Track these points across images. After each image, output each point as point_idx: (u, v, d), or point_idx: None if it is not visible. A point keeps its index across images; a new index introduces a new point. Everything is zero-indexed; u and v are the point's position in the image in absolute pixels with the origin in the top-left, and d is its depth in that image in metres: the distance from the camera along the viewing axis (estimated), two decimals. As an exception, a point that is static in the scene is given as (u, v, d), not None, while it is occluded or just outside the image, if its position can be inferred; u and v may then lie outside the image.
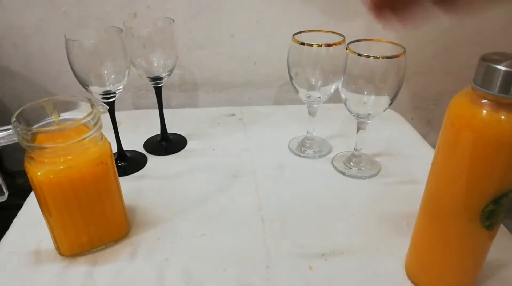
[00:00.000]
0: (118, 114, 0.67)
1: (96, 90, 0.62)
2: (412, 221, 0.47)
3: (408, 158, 0.73)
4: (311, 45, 0.60)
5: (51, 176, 0.45)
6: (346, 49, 0.59)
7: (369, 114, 0.62)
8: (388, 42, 0.59)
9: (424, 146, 0.77)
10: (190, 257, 0.52)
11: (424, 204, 0.45)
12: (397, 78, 0.58)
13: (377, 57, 0.56)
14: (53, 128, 0.47)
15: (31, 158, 0.46)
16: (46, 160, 0.46)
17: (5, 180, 0.49)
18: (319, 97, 0.67)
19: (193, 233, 0.56)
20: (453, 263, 0.44)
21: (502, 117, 0.35)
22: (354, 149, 0.69)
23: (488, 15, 0.96)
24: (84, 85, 0.61)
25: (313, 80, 0.64)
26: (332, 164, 0.70)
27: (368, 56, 0.56)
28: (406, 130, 0.84)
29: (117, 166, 0.53)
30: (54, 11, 0.89)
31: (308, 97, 0.67)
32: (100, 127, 0.48)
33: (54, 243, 0.52)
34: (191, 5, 0.90)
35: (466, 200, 0.39)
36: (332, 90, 0.65)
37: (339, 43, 0.61)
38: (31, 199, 0.62)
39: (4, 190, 0.49)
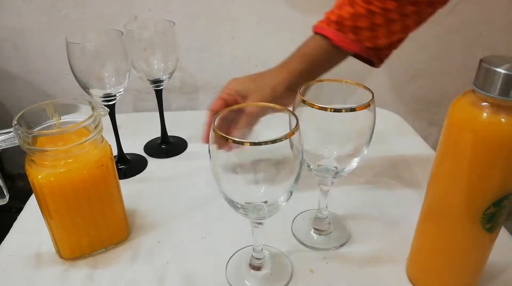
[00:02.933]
0: (118, 117, 0.67)
1: (97, 93, 0.62)
2: (413, 223, 0.47)
3: (409, 161, 0.73)
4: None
5: (52, 179, 0.45)
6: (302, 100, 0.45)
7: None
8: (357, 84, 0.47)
9: (425, 149, 0.77)
10: (191, 260, 0.52)
11: (425, 207, 0.45)
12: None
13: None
14: (54, 131, 0.47)
15: (32, 161, 0.46)
16: (47, 163, 0.46)
17: (5, 183, 0.49)
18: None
19: (193, 236, 0.56)
20: (454, 265, 0.44)
21: (502, 119, 0.35)
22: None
23: (488, 18, 0.97)
24: (85, 88, 0.61)
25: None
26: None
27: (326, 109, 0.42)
28: (407, 132, 0.84)
29: (118, 169, 0.53)
30: (55, 13, 0.89)
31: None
32: (101, 130, 0.48)
33: (54, 246, 0.52)
34: (191, 8, 0.91)
35: (467, 202, 0.39)
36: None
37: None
38: (32, 202, 0.62)
39: (5, 193, 0.49)
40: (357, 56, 0.59)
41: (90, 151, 0.47)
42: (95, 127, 0.47)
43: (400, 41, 0.58)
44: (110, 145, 0.50)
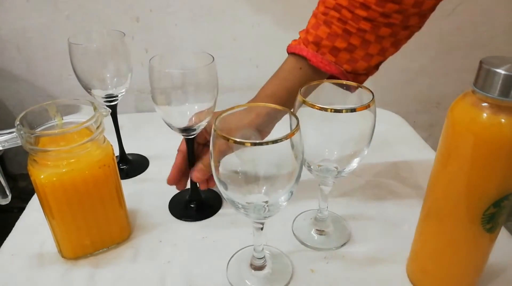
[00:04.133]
0: (120, 117, 0.67)
1: (99, 94, 0.62)
2: (414, 224, 0.47)
3: (410, 161, 0.73)
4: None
5: (54, 178, 0.46)
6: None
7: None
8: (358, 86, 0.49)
9: (425, 149, 0.78)
10: (192, 260, 0.52)
11: (425, 207, 0.45)
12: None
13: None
14: (56, 131, 0.47)
15: (34, 161, 0.46)
16: (49, 163, 0.46)
17: (7, 183, 0.49)
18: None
19: (194, 236, 0.56)
20: (454, 266, 0.44)
21: (502, 120, 0.35)
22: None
23: (489, 19, 0.97)
24: (87, 88, 0.61)
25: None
26: None
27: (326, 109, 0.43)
28: (407, 133, 0.84)
29: (119, 169, 0.53)
30: (57, 15, 0.89)
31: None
32: (103, 130, 0.49)
33: (56, 245, 0.52)
34: (193, 9, 0.91)
35: (467, 203, 0.39)
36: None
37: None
38: (34, 202, 0.62)
39: (7, 193, 0.49)
40: (332, 78, 0.56)
41: (92, 151, 0.48)
42: (97, 128, 0.48)
43: (377, 65, 0.56)
44: (112, 145, 0.51)
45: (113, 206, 0.52)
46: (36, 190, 0.47)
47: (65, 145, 0.46)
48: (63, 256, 0.52)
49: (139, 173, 0.70)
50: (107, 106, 0.62)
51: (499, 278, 0.49)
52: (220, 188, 0.41)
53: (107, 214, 0.51)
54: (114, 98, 0.63)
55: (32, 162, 0.46)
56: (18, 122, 0.45)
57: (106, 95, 0.62)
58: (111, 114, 0.62)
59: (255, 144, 0.35)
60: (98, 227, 0.51)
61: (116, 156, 0.68)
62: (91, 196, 0.49)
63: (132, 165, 0.72)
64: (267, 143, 0.35)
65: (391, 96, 1.06)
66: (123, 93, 0.64)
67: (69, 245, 0.51)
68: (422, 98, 1.08)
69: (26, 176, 0.47)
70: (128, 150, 0.72)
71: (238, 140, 0.35)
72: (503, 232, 0.54)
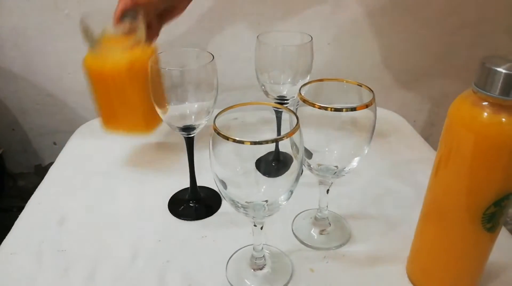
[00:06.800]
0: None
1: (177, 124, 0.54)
2: (414, 223, 0.47)
3: (410, 160, 0.73)
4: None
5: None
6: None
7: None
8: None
9: (426, 148, 0.77)
10: (191, 259, 0.52)
11: (425, 206, 0.45)
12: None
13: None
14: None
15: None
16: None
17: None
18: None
19: (194, 235, 0.56)
20: (454, 265, 0.44)
21: (503, 119, 0.35)
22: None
23: (490, 18, 0.97)
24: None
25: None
26: None
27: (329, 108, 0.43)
28: (408, 132, 0.84)
29: (189, 207, 0.57)
30: (56, 13, 0.89)
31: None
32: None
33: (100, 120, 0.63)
34: (193, 8, 0.90)
35: (467, 202, 0.39)
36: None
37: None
38: (33, 202, 0.62)
39: None
40: None
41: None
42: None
43: None
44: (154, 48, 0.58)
45: (145, 95, 0.54)
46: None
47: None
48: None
49: (211, 213, 0.61)
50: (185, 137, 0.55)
51: (500, 278, 0.49)
52: (219, 188, 0.41)
53: (140, 99, 0.57)
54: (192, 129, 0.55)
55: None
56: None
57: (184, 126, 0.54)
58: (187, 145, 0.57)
59: (254, 143, 0.35)
60: (132, 108, 0.59)
61: (186, 189, 0.63)
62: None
63: (205, 202, 0.63)
64: (266, 142, 0.35)
65: (391, 95, 1.06)
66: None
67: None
68: (423, 97, 1.08)
69: (26, 175, 0.47)
70: (127, 149, 0.72)
71: (238, 139, 0.35)
72: (504, 232, 0.54)
